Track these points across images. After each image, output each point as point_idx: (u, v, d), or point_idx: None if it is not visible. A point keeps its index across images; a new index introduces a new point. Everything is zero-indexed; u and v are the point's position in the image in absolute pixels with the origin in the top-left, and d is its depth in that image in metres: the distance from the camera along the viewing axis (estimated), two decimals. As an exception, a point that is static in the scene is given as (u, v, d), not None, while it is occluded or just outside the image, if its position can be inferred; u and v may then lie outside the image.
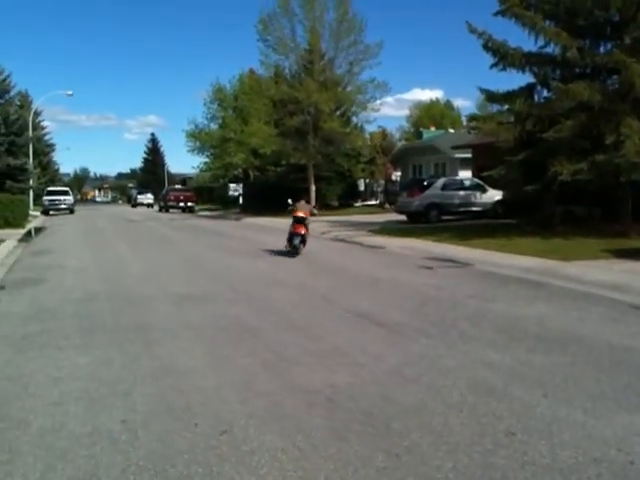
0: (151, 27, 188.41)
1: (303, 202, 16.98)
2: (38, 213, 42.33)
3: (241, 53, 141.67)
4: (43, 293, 10.09)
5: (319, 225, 25.67)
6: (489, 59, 18.11)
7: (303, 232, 15.27)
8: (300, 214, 15.66)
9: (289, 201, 17.21)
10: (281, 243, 15.66)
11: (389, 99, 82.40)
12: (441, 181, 26.48)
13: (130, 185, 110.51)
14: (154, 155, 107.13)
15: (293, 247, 15.12)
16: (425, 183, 26.51)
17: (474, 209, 25.67)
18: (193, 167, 62.16)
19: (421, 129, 54.76)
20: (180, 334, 7.03)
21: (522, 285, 10.43)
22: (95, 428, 4.25)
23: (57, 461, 3.74)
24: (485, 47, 17.94)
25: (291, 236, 15.29)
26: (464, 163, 32.71)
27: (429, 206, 25.02)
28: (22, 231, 24.95)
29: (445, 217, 25.31)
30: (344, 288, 10.30)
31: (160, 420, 4.37)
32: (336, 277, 11.67)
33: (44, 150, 66.41)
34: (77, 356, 6.12)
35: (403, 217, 26.43)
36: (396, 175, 44.96)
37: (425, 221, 24.54)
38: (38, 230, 27.00)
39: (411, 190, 26.45)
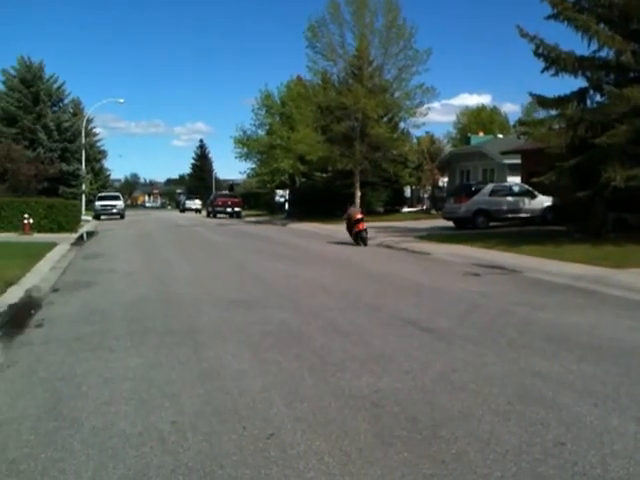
0: (199, 35, 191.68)
1: (352, 207, 22.23)
2: (90, 218, 43.39)
3: (288, 61, 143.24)
4: (94, 296, 10.35)
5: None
6: (539, 64, 17.89)
7: (365, 227, 20.08)
8: (359, 216, 20.38)
9: (347, 209, 21.81)
10: (327, 249, 15.75)
11: (436, 104, 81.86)
12: (489, 187, 26.18)
13: (179, 191, 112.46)
14: (202, 161, 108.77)
15: (361, 239, 19.85)
16: (473, 189, 26.25)
17: (523, 215, 25.28)
18: (240, 173, 63.09)
19: (469, 134, 54.15)
20: (227, 338, 7.12)
21: (572, 293, 10.23)
22: (145, 428, 4.33)
23: (108, 460, 3.82)
24: (536, 52, 17.70)
25: (357, 232, 20.05)
26: (513, 169, 32.25)
27: (477, 212, 24.76)
28: (75, 235, 25.65)
29: (493, 223, 24.99)
30: (390, 294, 10.27)
31: (208, 422, 4.44)
32: (382, 283, 11.65)
33: (96, 156, 68.05)
34: (128, 357, 6.26)
35: (450, 223, 26.21)
36: (443, 181, 44.63)
37: (472, 227, 24.29)
38: (90, 234, 27.71)
39: (458, 196, 26.23)
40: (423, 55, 34.21)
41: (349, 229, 20.58)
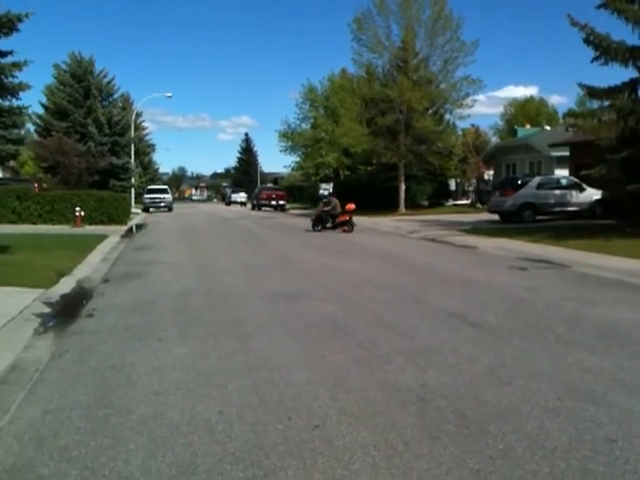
0: (244, 30, 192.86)
1: (335, 200, 24.97)
2: (139, 210, 44.19)
3: (331, 54, 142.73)
4: (143, 287, 10.56)
5: (408, 224, 25.54)
6: (588, 54, 17.49)
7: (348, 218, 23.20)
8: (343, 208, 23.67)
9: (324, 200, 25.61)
10: (371, 242, 15.70)
11: (481, 97, 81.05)
12: (536, 180, 25.70)
13: (224, 184, 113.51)
14: (247, 155, 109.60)
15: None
16: (519, 182, 25.80)
17: (570, 209, 24.75)
18: (285, 166, 63.19)
19: (515, 127, 53.20)
20: (273, 329, 7.18)
21: (624, 288, 9.98)
22: (193, 417, 4.40)
23: (157, 448, 3.89)
24: (586, 41, 17.29)
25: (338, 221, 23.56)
26: (561, 161, 31.53)
27: (523, 205, 24.33)
28: (124, 227, 26.19)
29: (540, 217, 24.53)
30: (435, 287, 10.20)
31: (254, 412, 4.48)
32: (426, 277, 11.57)
33: (145, 150, 69.27)
34: (175, 347, 6.36)
35: (495, 217, 25.85)
36: (488, 174, 43.97)
37: (519, 221, 23.88)
38: (139, 227, 28.25)
39: (504, 189, 25.83)
40: (470, 47, 33.87)
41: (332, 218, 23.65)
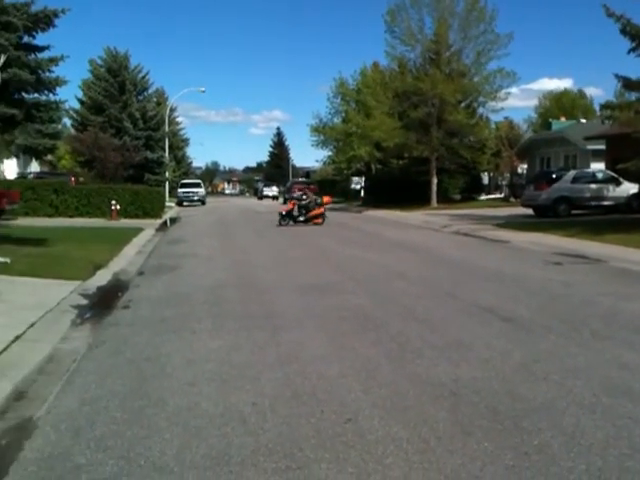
0: (276, 23, 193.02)
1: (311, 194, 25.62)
2: (173, 204, 44.65)
3: (363, 48, 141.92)
4: (177, 279, 10.69)
5: (440, 218, 25.35)
6: (624, 46, 17.14)
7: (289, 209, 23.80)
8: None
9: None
10: (403, 236, 15.62)
11: (515, 89, 79.90)
12: (571, 173, 25.25)
13: (257, 178, 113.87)
14: (279, 149, 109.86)
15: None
16: (554, 176, 25.38)
17: (607, 203, 24.27)
18: (317, 160, 63.15)
19: (550, 120, 52.31)
20: (305, 322, 7.21)
21: (662, 284, 9.77)
22: (226, 409, 4.44)
23: (192, 439, 3.94)
24: (623, 32, 16.94)
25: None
26: (596, 155, 30.92)
27: (558, 200, 23.93)
28: (159, 221, 26.49)
29: (575, 211, 24.11)
30: (467, 282, 10.11)
31: (287, 405, 4.51)
32: (459, 271, 11.47)
33: (179, 144, 69.86)
34: (209, 340, 6.44)
35: (529, 211, 25.48)
36: (522, 168, 43.36)
37: (553, 215, 23.49)
38: (173, 220, 28.57)
39: (539, 183, 25.45)
40: (504, 39, 33.39)
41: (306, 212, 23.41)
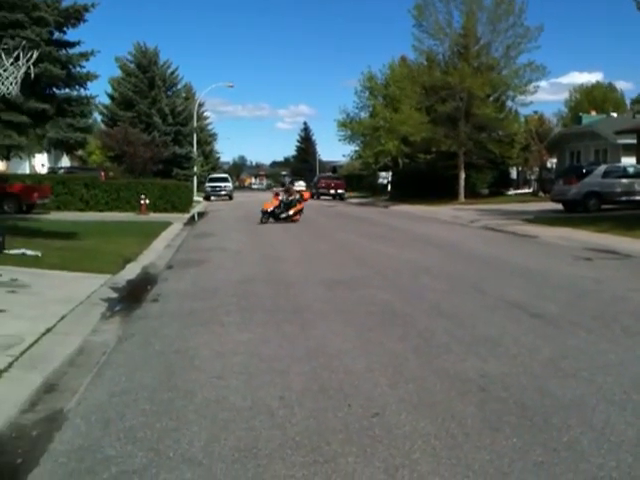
0: (303, 18, 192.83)
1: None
2: (201, 199, 44.95)
3: (390, 42, 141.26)
4: (205, 273, 10.77)
5: (467, 213, 25.16)
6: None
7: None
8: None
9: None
10: (430, 231, 15.54)
11: (544, 83, 78.94)
12: (602, 168, 24.89)
13: (283, 173, 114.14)
14: (306, 143, 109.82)
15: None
16: (584, 170, 25.05)
17: (638, 198, 23.88)
18: (343, 155, 63.12)
19: (580, 114, 51.49)
20: (331, 317, 7.21)
21: (696, 281, 9.57)
22: (254, 402, 4.46)
23: (220, 432, 3.96)
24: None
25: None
26: (627, 149, 30.39)
27: (588, 194, 23.61)
28: (187, 215, 26.75)
29: (605, 206, 23.75)
30: (495, 277, 10.02)
31: (315, 398, 4.52)
32: (486, 266, 11.38)
33: (207, 139, 70.19)
34: (237, 333, 6.47)
35: (559, 206, 25.18)
36: (551, 162, 42.78)
37: (583, 210, 23.18)
38: (201, 215, 28.79)
39: (568, 178, 25.14)
40: (534, 32, 33.00)
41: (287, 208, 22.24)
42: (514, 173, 44.78)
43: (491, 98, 35.98)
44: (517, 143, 39.46)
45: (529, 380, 4.84)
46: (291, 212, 22.30)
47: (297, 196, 23.19)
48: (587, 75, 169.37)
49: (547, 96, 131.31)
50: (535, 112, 46.44)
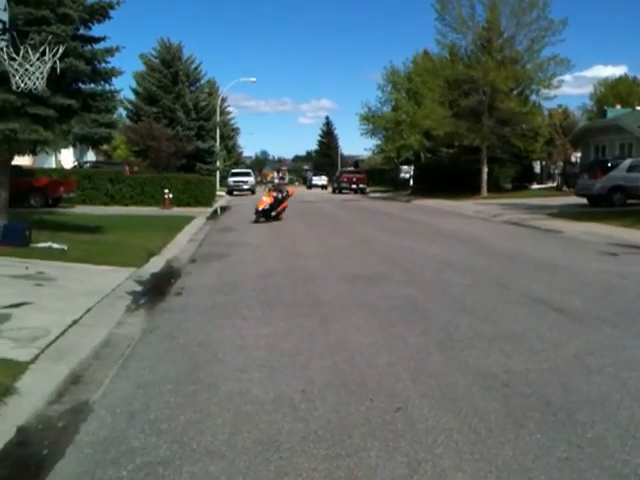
0: (324, 13, 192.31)
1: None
2: (223, 193, 45.13)
3: (412, 36, 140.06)
4: (227, 267, 10.82)
5: (490, 208, 24.97)
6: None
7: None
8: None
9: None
10: (452, 226, 15.44)
11: (568, 77, 78.13)
12: (627, 162, 24.52)
13: (305, 167, 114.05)
14: (328, 138, 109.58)
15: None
16: (609, 164, 24.70)
17: None
18: (365, 149, 63.01)
19: (605, 107, 50.73)
20: (353, 311, 7.21)
21: None
22: (277, 396, 4.48)
23: (243, 424, 3.98)
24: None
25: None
26: (654, 143, 29.93)
27: (613, 189, 23.29)
28: (210, 210, 26.88)
29: (630, 201, 23.40)
30: (519, 272, 9.94)
31: (336, 392, 4.52)
32: (510, 261, 11.29)
33: (229, 134, 70.41)
34: (259, 327, 6.50)
35: (583, 200, 24.88)
36: (576, 156, 42.25)
37: (608, 205, 22.88)
38: (223, 209, 28.92)
39: (593, 172, 24.80)
40: (558, 25, 32.57)
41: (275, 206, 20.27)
42: (538, 167, 44.32)
43: (515, 92, 35.64)
44: (541, 137, 39.05)
45: (553, 376, 4.80)
46: (280, 209, 20.68)
47: (285, 193, 21.49)
48: (611, 68, 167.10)
49: (571, 90, 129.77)
50: (559, 106, 45.95)
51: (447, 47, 36.56)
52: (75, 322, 6.35)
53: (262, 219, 19.91)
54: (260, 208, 20.06)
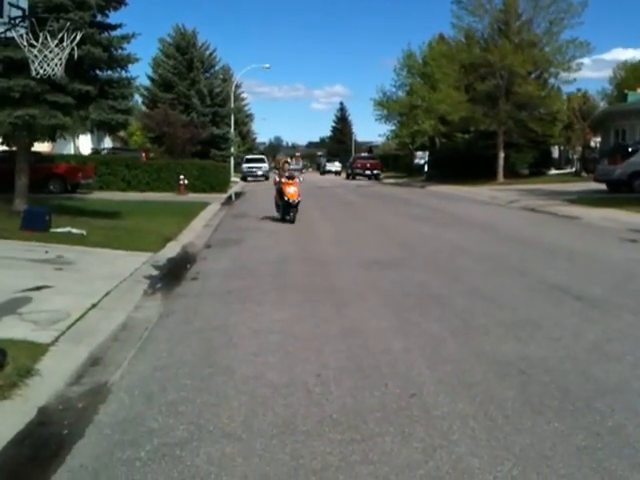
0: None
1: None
2: (238, 179, 45.20)
3: (427, 21, 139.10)
4: (242, 252, 10.84)
5: (506, 194, 24.78)
6: None
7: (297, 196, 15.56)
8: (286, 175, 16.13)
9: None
10: (467, 211, 15.35)
11: (587, 60, 76.84)
12: (649, 147, 24.16)
13: (319, 153, 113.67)
14: (342, 124, 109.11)
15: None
16: (629, 149, 24.35)
17: None
18: (379, 135, 62.72)
19: (626, 91, 50.01)
20: (368, 297, 7.19)
21: None
22: (291, 379, 4.49)
23: (258, 407, 4.00)
24: None
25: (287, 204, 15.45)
26: (676, 127, 29.48)
27: (634, 174, 22.96)
28: (224, 195, 26.93)
29: (652, 187, 23.11)
30: (536, 258, 9.86)
31: (351, 377, 4.52)
32: (526, 247, 11.20)
33: (243, 120, 70.34)
34: (274, 311, 6.51)
35: (602, 186, 24.57)
36: (595, 141, 41.76)
37: (628, 190, 22.56)
38: (238, 195, 28.97)
39: (613, 157, 24.46)
40: (577, 7, 32.10)
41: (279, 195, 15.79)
42: (556, 152, 43.89)
43: (532, 75, 35.22)
44: (559, 121, 38.64)
45: (572, 364, 4.76)
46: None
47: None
48: (632, 51, 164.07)
49: (590, 73, 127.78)
50: (578, 90, 45.37)
51: (463, 30, 36.19)
52: (94, 305, 6.41)
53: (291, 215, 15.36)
54: (296, 200, 15.42)
